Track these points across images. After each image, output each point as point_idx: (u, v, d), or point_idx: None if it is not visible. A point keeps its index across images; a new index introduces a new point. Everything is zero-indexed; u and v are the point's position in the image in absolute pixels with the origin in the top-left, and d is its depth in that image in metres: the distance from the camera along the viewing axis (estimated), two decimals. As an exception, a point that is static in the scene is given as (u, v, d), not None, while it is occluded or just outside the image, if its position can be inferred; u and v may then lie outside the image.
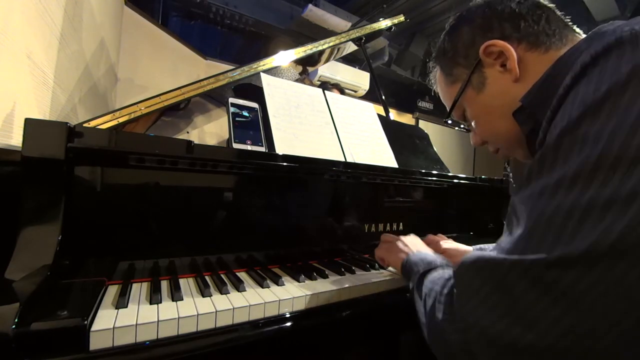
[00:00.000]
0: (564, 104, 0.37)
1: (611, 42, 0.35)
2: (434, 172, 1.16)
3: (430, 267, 0.56)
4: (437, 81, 0.65)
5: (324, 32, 3.21)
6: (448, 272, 0.50)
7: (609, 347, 0.29)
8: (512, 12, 0.52)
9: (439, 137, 4.97)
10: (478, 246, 0.88)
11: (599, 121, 0.32)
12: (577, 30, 0.52)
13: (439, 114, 5.05)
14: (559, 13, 0.53)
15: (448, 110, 0.63)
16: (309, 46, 1.32)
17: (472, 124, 0.61)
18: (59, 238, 0.54)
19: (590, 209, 0.30)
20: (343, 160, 1.00)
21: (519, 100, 0.50)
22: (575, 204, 0.31)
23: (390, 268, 0.85)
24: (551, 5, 0.53)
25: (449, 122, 0.66)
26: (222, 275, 0.68)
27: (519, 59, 0.51)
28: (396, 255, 0.70)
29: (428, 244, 0.85)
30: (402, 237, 0.76)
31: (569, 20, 0.53)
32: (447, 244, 0.88)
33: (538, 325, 0.30)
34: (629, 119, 0.30)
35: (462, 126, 0.67)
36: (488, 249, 0.86)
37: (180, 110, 1.13)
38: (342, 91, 2.65)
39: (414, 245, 0.72)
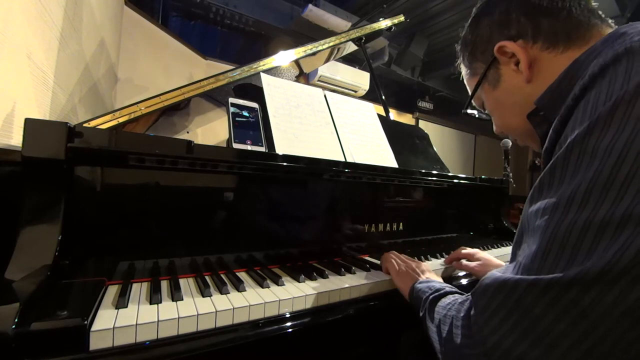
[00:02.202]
0: (573, 114, 0.37)
1: (620, 52, 0.35)
2: (434, 172, 1.16)
3: (439, 294, 0.55)
4: (462, 69, 0.65)
5: (324, 32, 3.21)
6: (460, 297, 0.49)
7: None
8: (531, 7, 0.50)
9: (439, 137, 4.97)
10: (506, 263, 0.87)
11: (609, 134, 0.32)
12: (605, 21, 0.49)
13: (439, 114, 5.05)
14: (584, 3, 0.49)
15: (468, 98, 0.64)
16: (309, 46, 1.32)
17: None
18: (59, 238, 0.54)
19: (605, 226, 0.30)
20: (343, 160, 1.00)
21: (533, 103, 0.50)
22: (589, 221, 0.31)
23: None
24: None
25: (469, 111, 0.68)
26: (222, 275, 0.68)
27: (534, 58, 0.50)
28: (405, 279, 0.70)
29: (461, 257, 0.90)
30: (414, 262, 0.77)
31: (596, 5, 0.50)
32: (480, 254, 0.91)
33: (558, 346, 0.30)
34: None
35: (483, 114, 0.68)
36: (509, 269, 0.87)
37: (180, 110, 1.13)
38: None
39: (422, 272, 0.72)
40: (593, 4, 0.50)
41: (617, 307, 0.28)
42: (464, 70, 0.64)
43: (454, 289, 0.57)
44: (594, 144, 0.32)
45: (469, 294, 0.45)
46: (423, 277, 0.68)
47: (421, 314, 0.56)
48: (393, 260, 0.79)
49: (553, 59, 0.49)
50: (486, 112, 0.64)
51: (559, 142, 0.38)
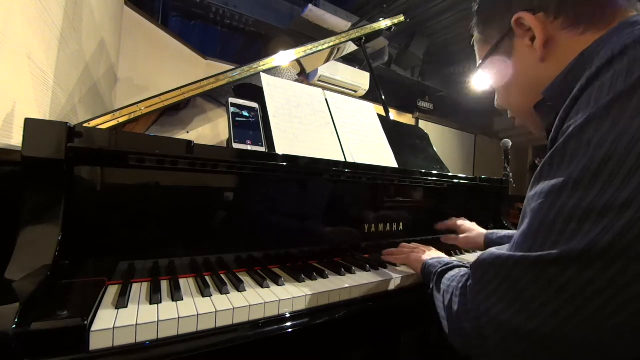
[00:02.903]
0: (577, 104, 0.38)
1: (628, 44, 0.35)
2: (434, 172, 1.16)
3: (447, 267, 0.60)
4: (474, 36, 0.62)
5: (324, 32, 3.21)
6: (464, 270, 0.55)
7: (604, 338, 0.32)
8: None
9: (439, 137, 4.97)
10: (491, 231, 0.98)
11: (604, 127, 0.33)
12: (633, 3, 0.46)
13: (439, 114, 5.05)
14: None
15: (477, 66, 0.62)
16: (309, 46, 1.32)
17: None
18: (59, 238, 0.54)
19: (589, 213, 0.32)
20: (343, 160, 1.00)
21: (541, 93, 0.49)
22: (576, 207, 0.33)
23: (390, 268, 0.85)
24: None
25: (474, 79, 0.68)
26: (222, 275, 0.68)
27: (551, 37, 0.48)
28: (416, 259, 0.77)
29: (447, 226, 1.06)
30: (421, 245, 0.87)
31: None
32: (460, 220, 1.07)
33: (540, 314, 0.34)
34: (633, 127, 0.31)
35: (486, 87, 0.67)
36: (499, 234, 0.95)
37: (180, 110, 1.13)
38: None
39: (431, 251, 0.81)
40: None
41: (590, 286, 0.31)
42: (476, 34, 0.61)
43: (461, 263, 0.62)
44: (589, 135, 0.34)
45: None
46: (432, 255, 0.75)
47: (431, 286, 0.60)
48: (403, 251, 0.86)
49: (570, 40, 0.46)
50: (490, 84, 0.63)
51: (561, 132, 0.39)
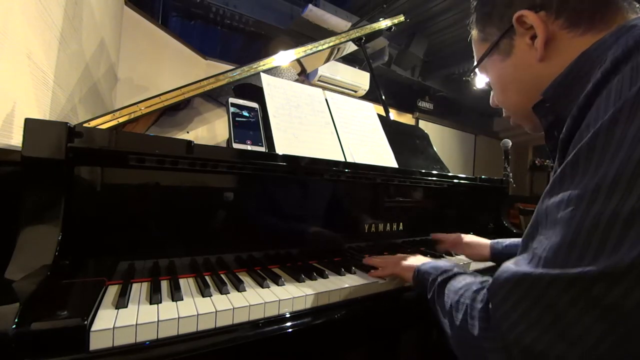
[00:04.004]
0: (596, 102, 0.35)
1: (630, 45, 0.34)
2: (434, 172, 1.16)
3: (447, 275, 0.54)
4: (472, 33, 0.62)
5: (324, 32, 3.21)
6: (472, 281, 0.48)
7: None
8: None
9: (439, 137, 4.97)
10: (495, 241, 0.94)
11: (635, 123, 0.30)
12: (633, 5, 0.46)
13: (439, 114, 5.05)
14: None
15: (474, 64, 0.61)
16: (309, 46, 1.32)
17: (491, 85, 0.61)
18: (59, 238, 0.54)
19: (633, 218, 0.28)
20: (343, 160, 1.00)
21: (540, 94, 0.48)
22: (617, 212, 0.29)
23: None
24: None
25: (471, 77, 0.65)
26: (222, 275, 0.68)
27: (552, 36, 0.47)
28: (406, 267, 0.71)
29: (446, 240, 0.99)
30: (408, 255, 0.79)
31: None
32: (468, 237, 0.99)
33: (583, 341, 0.29)
34: None
35: (480, 86, 0.66)
36: (504, 243, 0.91)
37: (180, 110, 1.13)
38: None
39: (417, 257, 0.75)
40: None
41: None
42: (474, 32, 0.60)
43: (462, 270, 0.56)
44: (620, 132, 0.31)
45: (483, 281, 0.45)
46: (423, 261, 0.67)
47: (429, 296, 0.55)
48: (388, 262, 0.78)
49: (570, 40, 0.46)
50: (487, 83, 0.62)
51: (579, 131, 0.36)
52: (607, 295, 0.28)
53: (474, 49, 0.62)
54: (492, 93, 0.62)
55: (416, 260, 0.70)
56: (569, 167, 0.35)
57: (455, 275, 0.53)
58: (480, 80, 0.64)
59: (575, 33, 0.46)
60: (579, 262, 0.30)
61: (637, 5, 0.47)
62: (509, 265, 0.38)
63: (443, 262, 0.62)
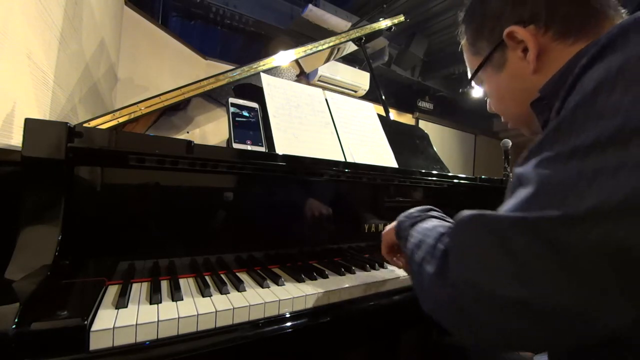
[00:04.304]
0: (580, 81, 0.36)
1: (629, 23, 0.35)
2: (434, 172, 1.16)
3: (419, 218, 0.54)
4: (462, 43, 0.62)
5: (324, 32, 3.21)
6: (441, 224, 0.49)
7: (609, 308, 0.29)
8: None
9: (439, 137, 4.97)
10: None
11: (615, 94, 0.31)
12: (619, 12, 0.48)
13: (439, 114, 5.05)
14: None
15: (469, 76, 0.62)
16: (309, 46, 1.32)
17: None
18: (59, 238, 0.54)
19: (602, 169, 0.29)
20: (343, 160, 1.00)
21: (537, 92, 0.48)
22: (586, 167, 0.30)
23: (390, 267, 0.85)
24: None
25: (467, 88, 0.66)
26: (222, 275, 0.68)
27: (543, 48, 0.48)
28: (390, 230, 0.68)
29: None
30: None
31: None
32: None
33: (535, 281, 0.30)
34: None
35: (479, 94, 0.66)
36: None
37: (180, 110, 1.13)
38: None
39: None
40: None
41: (602, 246, 0.28)
42: (465, 45, 0.60)
43: (437, 212, 0.57)
44: (601, 103, 0.32)
45: (451, 225, 0.44)
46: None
47: (401, 241, 0.56)
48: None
49: (562, 51, 0.47)
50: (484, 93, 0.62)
51: (564, 107, 0.37)
52: (564, 238, 0.29)
53: (466, 61, 0.62)
54: (488, 99, 0.63)
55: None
56: (551, 134, 0.36)
57: (426, 218, 0.54)
58: (477, 91, 0.65)
59: (566, 44, 0.47)
60: (542, 207, 0.31)
61: (623, 11, 0.48)
62: (480, 210, 0.38)
63: (418, 209, 0.61)
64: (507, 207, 0.35)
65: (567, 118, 0.35)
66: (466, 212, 0.38)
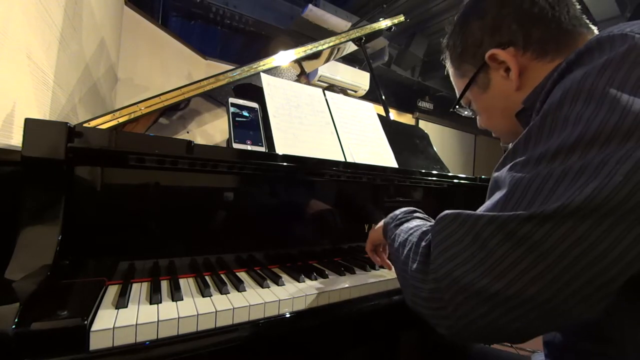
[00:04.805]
0: (550, 95, 0.40)
1: (592, 42, 0.39)
2: (434, 172, 1.16)
3: (404, 219, 0.58)
4: (447, 66, 0.65)
5: (324, 32, 3.21)
6: (423, 224, 0.52)
7: (569, 298, 0.32)
8: (523, 14, 0.51)
9: (439, 137, 4.97)
10: None
11: (577, 105, 0.35)
12: (591, 30, 0.51)
13: (439, 114, 5.05)
14: (577, 7, 0.51)
15: (457, 98, 0.65)
16: (309, 46, 1.32)
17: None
18: (59, 238, 0.54)
19: (565, 174, 0.33)
20: (343, 160, 1.00)
21: (521, 103, 0.51)
22: (553, 171, 0.34)
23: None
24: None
25: (457, 108, 0.68)
26: (222, 275, 0.68)
27: (524, 68, 0.51)
28: (377, 229, 0.70)
29: None
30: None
31: (580, 12, 0.51)
32: None
33: (507, 275, 0.33)
34: (605, 104, 0.33)
35: (466, 113, 0.68)
36: None
37: (180, 110, 1.13)
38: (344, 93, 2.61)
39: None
40: (578, 10, 0.51)
41: (563, 243, 0.31)
42: (451, 70, 0.64)
43: (421, 213, 0.61)
44: (565, 112, 0.36)
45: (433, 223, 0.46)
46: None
47: (389, 241, 0.58)
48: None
49: (541, 68, 0.50)
50: (472, 108, 0.65)
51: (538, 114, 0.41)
52: (531, 235, 0.33)
53: (453, 82, 0.65)
54: (477, 117, 0.66)
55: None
56: (522, 142, 0.40)
57: (411, 218, 0.58)
58: (466, 110, 0.67)
59: (544, 61, 0.50)
60: (513, 208, 0.35)
61: (594, 28, 0.52)
62: (459, 210, 0.41)
63: (404, 208, 0.64)
64: (484, 207, 0.39)
65: (537, 125, 0.38)
66: (446, 212, 0.41)
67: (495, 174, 0.42)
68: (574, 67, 0.39)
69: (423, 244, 0.44)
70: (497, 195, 0.38)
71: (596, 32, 0.52)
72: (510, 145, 0.42)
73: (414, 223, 0.54)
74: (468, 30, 0.57)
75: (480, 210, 0.39)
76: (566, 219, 0.32)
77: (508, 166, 0.39)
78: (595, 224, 0.31)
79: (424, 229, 0.49)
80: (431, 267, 0.39)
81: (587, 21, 0.52)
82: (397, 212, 0.63)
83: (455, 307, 0.36)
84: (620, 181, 0.30)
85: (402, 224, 0.56)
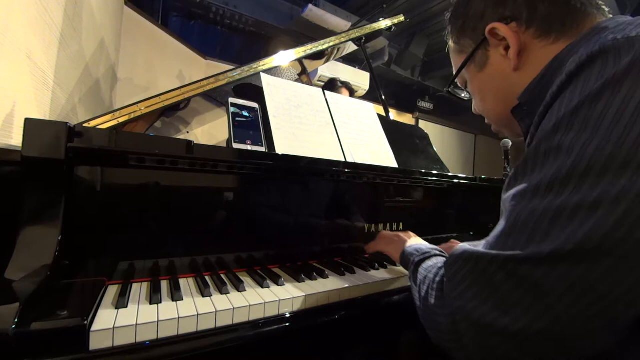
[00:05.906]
0: (550, 111, 0.39)
1: (595, 51, 0.36)
2: (434, 172, 1.16)
3: (425, 256, 0.59)
4: (449, 44, 0.64)
5: (324, 32, 3.21)
6: (441, 261, 0.54)
7: (577, 332, 0.32)
8: None
9: (439, 137, 4.98)
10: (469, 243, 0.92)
11: (572, 132, 0.35)
12: (601, 10, 0.49)
13: (439, 114, 5.05)
14: None
15: (453, 75, 0.64)
16: (309, 46, 1.32)
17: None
18: (59, 238, 0.54)
19: (560, 214, 0.33)
20: (343, 160, 1.00)
21: (517, 99, 0.50)
22: (547, 209, 0.34)
23: (390, 268, 0.85)
24: None
25: (452, 88, 0.66)
26: (222, 275, 0.68)
27: (524, 46, 0.49)
28: (395, 247, 0.75)
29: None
30: (400, 233, 0.82)
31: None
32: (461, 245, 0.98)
33: (513, 311, 0.34)
34: (600, 132, 0.33)
35: (464, 95, 0.67)
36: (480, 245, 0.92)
37: (180, 110, 1.13)
38: (351, 92, 2.57)
39: (410, 238, 0.77)
40: None
41: (562, 283, 0.32)
42: (451, 44, 0.62)
43: (440, 251, 0.61)
44: (559, 140, 0.36)
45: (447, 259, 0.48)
46: (411, 243, 0.71)
47: (409, 274, 0.60)
48: (382, 239, 0.85)
49: (543, 49, 0.48)
50: (467, 89, 0.64)
51: (535, 136, 0.40)
52: (531, 275, 0.34)
53: (452, 60, 0.64)
54: (473, 101, 0.64)
55: (405, 242, 0.73)
56: (521, 166, 0.40)
57: (431, 256, 0.59)
58: (461, 92, 0.66)
59: (547, 42, 0.48)
60: (512, 246, 0.36)
61: (607, 10, 0.49)
62: (464, 245, 0.43)
63: (425, 245, 0.67)
64: (489, 239, 0.40)
65: (532, 151, 0.39)
66: (458, 248, 0.43)
67: (503, 197, 0.42)
68: (574, 79, 0.38)
69: (437, 279, 0.46)
70: (499, 227, 0.40)
71: (608, 15, 0.49)
72: (511, 170, 0.42)
73: (434, 260, 0.56)
74: (471, 1, 0.55)
75: (487, 240, 0.40)
76: (560, 262, 0.32)
77: (511, 193, 0.40)
78: (593, 266, 0.31)
79: (440, 265, 0.50)
80: (446, 302, 0.41)
81: (599, 1, 0.49)
82: (422, 246, 0.66)
83: (470, 339, 0.38)
84: (617, 221, 0.30)
85: (424, 260, 0.57)
